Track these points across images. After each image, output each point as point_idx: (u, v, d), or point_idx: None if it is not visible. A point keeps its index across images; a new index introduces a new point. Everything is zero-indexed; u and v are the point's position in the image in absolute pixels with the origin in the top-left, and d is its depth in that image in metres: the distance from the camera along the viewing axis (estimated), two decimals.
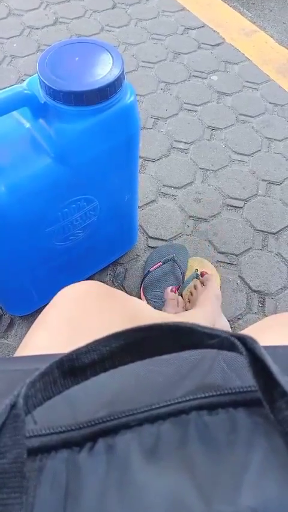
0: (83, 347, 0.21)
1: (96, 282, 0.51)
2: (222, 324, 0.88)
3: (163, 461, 0.20)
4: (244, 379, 0.23)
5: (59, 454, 0.20)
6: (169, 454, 0.20)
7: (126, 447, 0.21)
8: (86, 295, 0.47)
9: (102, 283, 0.51)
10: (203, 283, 0.92)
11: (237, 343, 0.21)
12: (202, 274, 0.94)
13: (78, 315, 0.44)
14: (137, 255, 1.06)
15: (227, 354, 0.23)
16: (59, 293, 0.49)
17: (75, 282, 0.97)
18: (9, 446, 0.17)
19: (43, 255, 0.79)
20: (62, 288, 0.79)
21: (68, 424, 0.21)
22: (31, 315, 0.96)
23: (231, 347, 0.22)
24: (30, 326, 0.93)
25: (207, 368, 0.25)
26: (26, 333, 0.92)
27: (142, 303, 0.52)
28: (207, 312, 0.79)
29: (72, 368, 0.21)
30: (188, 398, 0.22)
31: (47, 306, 0.47)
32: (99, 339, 0.21)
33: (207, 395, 0.22)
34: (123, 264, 1.04)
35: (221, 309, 0.91)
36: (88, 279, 1.00)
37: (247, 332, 0.49)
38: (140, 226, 1.10)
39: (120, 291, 0.50)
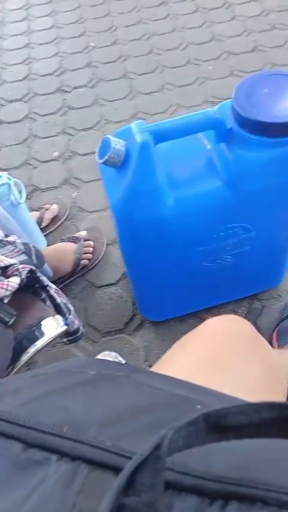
0: (233, 407, 0.20)
1: (246, 321, 0.50)
2: None
3: None
4: None
5: (189, 498, 0.20)
6: None
7: None
8: (233, 333, 0.47)
9: (250, 324, 0.50)
10: None
11: None
12: None
13: (221, 351, 0.43)
14: (278, 295, 1.01)
15: None
16: (208, 323, 0.49)
17: (211, 303, 0.98)
18: (146, 486, 0.17)
19: (188, 270, 0.81)
20: (196, 305, 0.78)
21: (202, 471, 0.21)
22: (160, 322, 1.00)
23: None
24: (157, 332, 0.97)
25: None
26: (152, 338, 0.96)
27: (283, 359, 0.49)
28: None
29: (217, 425, 0.20)
30: None
31: (193, 332, 0.48)
32: (251, 404, 0.20)
33: None
34: (262, 300, 1.00)
35: None
36: (223, 305, 0.99)
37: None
38: None
39: (264, 340, 0.48)
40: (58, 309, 0.64)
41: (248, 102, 0.63)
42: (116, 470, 0.21)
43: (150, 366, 0.94)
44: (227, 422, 0.20)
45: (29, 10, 2.11)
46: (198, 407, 0.28)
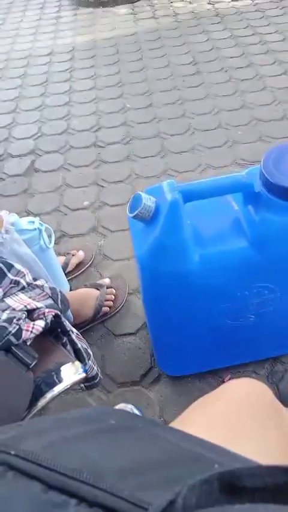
0: (247, 468, 0.20)
1: (265, 386, 0.49)
2: None
3: None
4: None
5: None
6: None
7: None
8: (253, 398, 0.46)
9: (269, 388, 0.49)
10: None
11: None
12: None
13: (241, 416, 0.43)
14: None
15: None
16: (228, 385, 0.49)
17: (231, 362, 0.96)
18: None
19: (210, 327, 0.81)
20: (215, 363, 0.77)
21: None
22: (178, 377, 0.98)
23: None
24: (174, 387, 0.95)
25: None
26: (168, 393, 0.94)
27: None
28: None
29: (231, 486, 0.20)
30: None
31: (212, 394, 0.48)
32: (266, 467, 0.20)
33: None
34: (284, 363, 0.98)
35: None
36: (244, 366, 0.97)
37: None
38: None
39: (280, 404, 0.47)
40: (78, 354, 0.64)
41: (276, 168, 0.66)
42: None
43: (165, 422, 0.91)
44: (241, 484, 0.20)
45: (73, 73, 2.29)
46: (216, 466, 0.27)
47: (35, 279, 0.72)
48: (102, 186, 1.55)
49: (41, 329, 0.58)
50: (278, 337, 0.91)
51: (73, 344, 0.64)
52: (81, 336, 0.68)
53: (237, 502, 0.20)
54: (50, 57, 2.49)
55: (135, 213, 0.67)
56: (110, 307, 1.10)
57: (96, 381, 0.65)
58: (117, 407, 0.90)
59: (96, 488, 0.23)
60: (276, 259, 0.69)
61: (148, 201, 0.66)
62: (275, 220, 0.66)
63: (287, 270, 0.72)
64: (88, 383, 0.65)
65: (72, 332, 0.65)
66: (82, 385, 0.65)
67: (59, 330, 0.64)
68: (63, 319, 0.63)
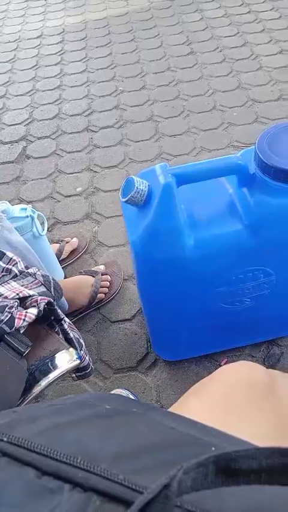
0: (243, 451, 0.20)
1: (261, 368, 0.49)
2: None
3: None
4: None
5: None
6: None
7: None
8: (248, 381, 0.46)
9: (266, 370, 0.49)
10: None
11: None
12: None
13: (235, 399, 0.43)
14: None
15: None
16: (223, 369, 0.48)
17: (227, 346, 0.96)
18: None
19: (205, 311, 0.81)
20: (211, 347, 0.77)
21: (213, 511, 0.20)
22: (174, 362, 0.98)
23: None
24: (170, 372, 0.95)
25: None
26: (165, 377, 0.94)
27: None
28: None
29: (227, 468, 0.20)
30: None
31: (208, 378, 0.48)
32: (262, 449, 0.20)
33: None
34: (281, 346, 0.98)
35: None
36: (240, 349, 0.97)
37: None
38: None
39: (285, 392, 0.47)
40: (70, 344, 0.63)
41: (271, 149, 0.65)
42: (128, 503, 0.21)
43: (162, 406, 0.91)
44: (237, 466, 0.20)
45: (63, 55, 2.24)
46: (213, 449, 0.27)
47: (27, 267, 0.71)
48: (95, 171, 1.53)
49: (33, 317, 0.57)
50: (273, 320, 0.91)
51: (65, 333, 0.63)
52: (73, 326, 0.67)
53: (233, 484, 0.20)
54: (40, 40, 2.43)
55: (127, 197, 0.65)
56: (105, 294, 1.10)
57: (87, 371, 0.65)
58: (113, 392, 0.91)
59: (91, 472, 0.23)
60: (272, 242, 0.68)
61: (141, 185, 0.65)
62: (270, 202, 0.65)
63: (283, 253, 0.71)
64: (79, 373, 0.64)
65: (65, 321, 0.64)
66: (74, 375, 0.65)
67: (52, 318, 0.63)
68: (56, 307, 0.62)
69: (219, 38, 2.16)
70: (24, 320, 0.56)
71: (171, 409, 0.42)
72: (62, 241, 1.22)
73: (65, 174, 1.54)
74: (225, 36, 2.16)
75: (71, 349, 0.61)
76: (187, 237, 0.66)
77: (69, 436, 0.27)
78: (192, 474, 0.19)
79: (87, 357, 0.65)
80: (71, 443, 0.26)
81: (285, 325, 0.96)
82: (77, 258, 1.23)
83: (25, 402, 0.57)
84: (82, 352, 0.64)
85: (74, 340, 0.64)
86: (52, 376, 0.58)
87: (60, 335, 0.64)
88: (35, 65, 2.19)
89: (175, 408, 0.42)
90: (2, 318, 0.55)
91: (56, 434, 0.27)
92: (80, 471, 0.23)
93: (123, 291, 1.14)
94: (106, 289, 1.10)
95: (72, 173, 1.54)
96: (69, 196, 1.45)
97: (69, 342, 0.63)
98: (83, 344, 0.66)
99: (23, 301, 0.60)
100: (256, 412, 0.43)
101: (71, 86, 1.99)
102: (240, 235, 0.67)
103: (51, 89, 1.99)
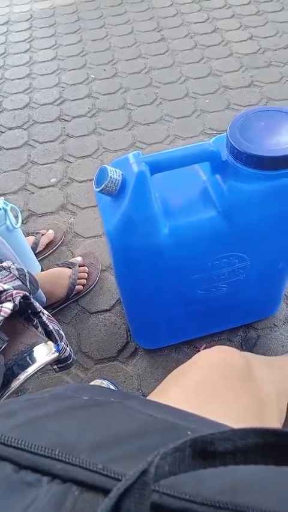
0: (218, 433, 0.20)
1: (238, 353, 0.50)
2: None
3: None
4: None
5: None
6: None
7: None
8: (225, 366, 0.47)
9: (243, 355, 0.50)
10: None
11: None
12: None
13: (213, 384, 0.43)
14: (274, 324, 1.00)
15: None
16: (200, 355, 0.49)
17: (206, 332, 0.97)
18: None
19: (183, 298, 0.81)
20: (190, 334, 0.77)
21: (191, 493, 0.21)
22: (154, 350, 0.99)
23: None
24: (150, 360, 0.96)
25: None
26: (145, 366, 0.95)
27: (271, 397, 0.49)
28: None
29: (204, 451, 0.20)
30: None
31: (188, 364, 0.48)
32: (237, 430, 0.20)
33: None
34: (257, 329, 1.00)
35: None
36: (218, 334, 0.99)
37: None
38: (285, 295, 1.04)
39: (260, 374, 0.48)
40: (50, 336, 0.63)
41: (242, 136, 0.65)
42: (107, 492, 0.21)
43: (144, 394, 0.92)
44: (213, 448, 0.20)
45: (32, 42, 2.18)
46: (189, 433, 0.28)
47: (1, 261, 0.69)
48: (69, 162, 1.50)
49: (9, 311, 0.56)
50: (250, 305, 0.92)
51: (44, 325, 0.62)
52: (52, 318, 0.66)
53: (210, 466, 0.20)
54: (7, 26, 2.36)
55: (101, 187, 0.65)
56: (83, 285, 1.09)
57: (69, 362, 0.65)
58: (93, 383, 0.91)
59: (69, 464, 0.23)
60: (245, 228, 0.69)
61: (114, 174, 0.64)
62: (243, 188, 0.65)
63: (256, 238, 0.72)
64: (61, 364, 0.64)
65: (43, 314, 0.64)
66: (56, 367, 0.65)
67: (29, 311, 0.62)
68: (32, 300, 0.61)
69: (189, 24, 2.14)
70: None
71: (150, 397, 0.42)
72: (37, 233, 1.20)
73: (38, 165, 1.51)
74: (195, 23, 2.14)
75: (49, 342, 0.61)
76: (162, 225, 0.66)
77: (47, 429, 0.27)
78: (169, 459, 0.19)
79: (68, 348, 0.65)
80: (49, 436, 0.26)
81: (260, 309, 0.98)
82: (54, 250, 1.22)
83: (4, 397, 0.57)
84: (63, 343, 0.63)
85: (54, 332, 0.63)
86: (31, 370, 0.58)
87: (39, 328, 0.63)
88: (3, 53, 2.13)
89: (154, 396, 0.42)
90: None
91: (33, 428, 0.27)
92: (59, 463, 0.23)
93: (101, 282, 1.13)
94: (84, 281, 1.09)
95: (45, 164, 1.51)
96: (43, 187, 1.43)
97: (49, 334, 0.63)
98: (63, 335, 0.66)
99: None
100: (233, 395, 0.44)
101: (41, 75, 1.95)
102: (215, 221, 0.67)
103: (21, 78, 1.94)
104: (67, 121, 1.68)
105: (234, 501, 0.20)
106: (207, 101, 1.68)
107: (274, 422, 0.47)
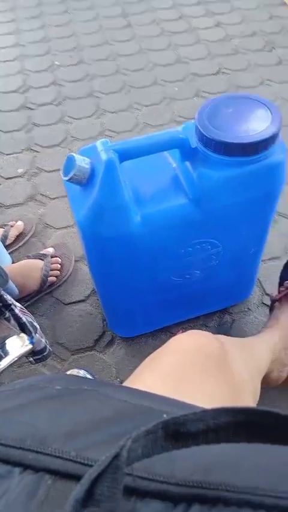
0: (190, 414, 0.20)
1: (211, 337, 0.51)
2: None
3: None
4: None
5: (153, 503, 0.20)
6: None
7: None
8: (198, 349, 0.48)
9: (216, 338, 0.50)
10: None
11: None
12: None
13: (186, 368, 0.44)
14: (248, 308, 1.03)
15: None
16: (174, 340, 0.50)
17: (182, 318, 0.98)
18: (105, 496, 0.17)
19: (157, 286, 0.82)
20: (166, 320, 0.78)
21: (165, 475, 0.21)
22: (131, 338, 0.99)
23: None
24: (127, 348, 0.96)
25: None
26: (123, 354, 0.95)
27: (244, 378, 0.50)
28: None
29: (176, 432, 0.20)
30: None
31: (162, 348, 0.49)
32: (208, 410, 0.21)
33: None
34: (232, 314, 1.02)
35: None
36: (194, 320, 1.00)
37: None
38: (258, 280, 1.06)
39: (234, 356, 0.49)
40: (23, 328, 0.62)
41: (210, 123, 0.65)
42: (80, 479, 0.21)
43: (122, 382, 0.93)
44: (185, 429, 0.20)
45: None
46: (165, 416, 0.28)
47: None
48: (36, 151, 1.47)
49: None
50: (224, 290, 0.94)
51: (17, 318, 0.61)
52: (25, 310, 0.65)
53: (183, 447, 0.21)
54: None
55: (69, 176, 0.64)
56: (56, 276, 1.08)
57: (45, 353, 0.64)
58: (69, 372, 0.90)
59: (41, 453, 0.23)
60: (216, 214, 0.70)
61: (82, 162, 0.63)
62: (212, 175, 0.66)
63: (227, 224, 0.73)
64: (37, 356, 0.63)
65: (15, 306, 0.63)
66: (31, 359, 0.64)
67: (1, 304, 0.61)
68: (3, 293, 0.60)
69: (155, 10, 2.12)
70: None
71: (125, 383, 0.43)
72: (6, 225, 1.17)
73: (4, 155, 1.47)
74: (160, 8, 2.12)
75: (22, 334, 0.60)
76: (133, 214, 0.66)
77: (18, 420, 0.27)
78: (141, 441, 0.19)
79: (43, 340, 0.64)
80: (21, 427, 0.26)
81: (235, 293, 1.00)
82: (24, 242, 1.19)
83: None
84: (37, 335, 0.62)
85: (28, 324, 0.63)
86: (4, 363, 0.57)
87: (12, 321, 0.62)
88: None
89: (129, 382, 0.43)
90: None
91: (3, 420, 0.27)
92: (30, 453, 0.23)
93: (75, 273, 1.12)
94: (57, 272, 1.08)
95: (11, 153, 1.47)
96: (10, 178, 1.39)
97: (23, 326, 0.62)
98: (38, 326, 0.65)
99: None
100: (208, 379, 0.45)
101: (3, 61, 1.88)
102: (186, 209, 0.68)
103: None
104: (32, 109, 1.64)
105: (208, 479, 0.21)
106: (176, 88, 1.67)
107: (249, 402, 0.49)
